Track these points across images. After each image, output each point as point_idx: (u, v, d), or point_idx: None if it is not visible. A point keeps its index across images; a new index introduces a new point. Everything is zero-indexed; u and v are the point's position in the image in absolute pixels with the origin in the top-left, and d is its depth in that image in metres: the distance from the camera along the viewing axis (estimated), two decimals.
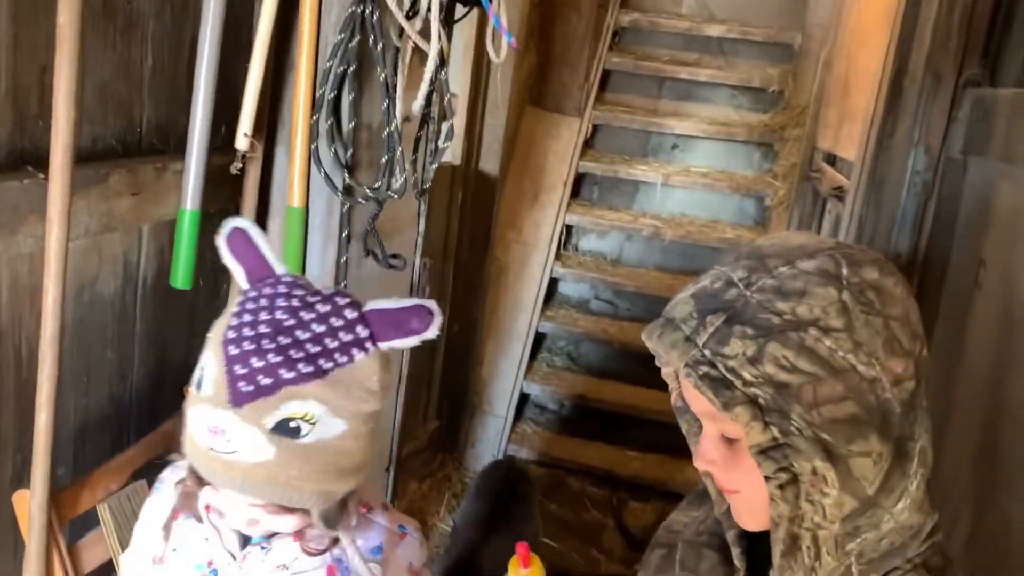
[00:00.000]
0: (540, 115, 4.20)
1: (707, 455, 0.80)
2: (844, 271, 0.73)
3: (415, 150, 2.07)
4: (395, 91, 1.85)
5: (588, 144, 4.31)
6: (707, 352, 0.73)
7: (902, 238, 1.56)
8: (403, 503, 3.35)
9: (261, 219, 1.92)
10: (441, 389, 3.70)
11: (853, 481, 0.71)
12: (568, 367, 4.17)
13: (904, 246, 1.54)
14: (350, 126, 1.79)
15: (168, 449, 1.61)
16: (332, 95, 1.77)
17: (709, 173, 4.22)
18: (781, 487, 0.72)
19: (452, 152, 3.45)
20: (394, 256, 2.00)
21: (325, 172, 1.79)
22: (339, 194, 1.80)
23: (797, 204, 3.82)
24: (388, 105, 1.78)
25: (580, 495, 3.71)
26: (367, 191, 1.81)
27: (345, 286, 1.94)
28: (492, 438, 3.82)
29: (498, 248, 4.00)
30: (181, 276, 1.68)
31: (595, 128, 4.30)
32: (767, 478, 0.73)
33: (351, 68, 1.77)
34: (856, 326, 0.71)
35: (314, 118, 1.76)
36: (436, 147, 1.99)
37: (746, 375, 0.72)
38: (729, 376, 0.72)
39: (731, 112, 4.36)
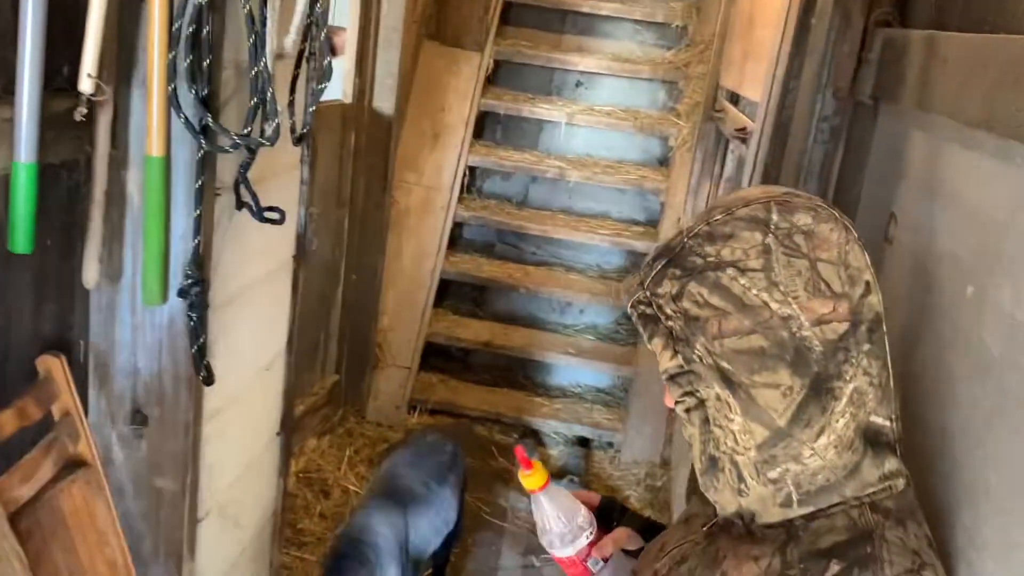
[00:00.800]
0: (439, 49, 4.00)
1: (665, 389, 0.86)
2: (774, 217, 0.77)
3: (292, 91, 1.88)
4: (263, 25, 1.66)
5: (490, 81, 4.13)
6: (647, 292, 0.81)
7: (808, 187, 1.48)
8: (301, 461, 3.23)
9: (116, 171, 1.71)
10: (340, 341, 3.54)
11: (758, 410, 0.76)
12: (473, 313, 4.08)
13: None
14: (207, 63, 1.59)
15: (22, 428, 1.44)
16: (190, 29, 1.56)
17: (613, 112, 4.11)
18: (688, 411, 0.81)
19: (343, 90, 3.24)
20: (270, 209, 1.82)
21: (185, 117, 1.59)
22: (201, 141, 1.61)
23: (700, 144, 3.77)
24: (255, 41, 1.58)
25: (487, 443, 3.65)
26: (234, 138, 1.62)
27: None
28: (395, 390, 3.70)
29: (398, 192, 3.83)
30: (21, 239, 1.47)
31: (497, 64, 4.12)
32: (676, 402, 0.81)
33: None
34: (775, 267, 0.75)
35: (171, 55, 1.56)
36: (315, 88, 1.81)
37: (668, 310, 0.79)
38: (657, 312, 0.80)
39: (635, 48, 4.25)
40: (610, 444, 3.74)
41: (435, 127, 3.94)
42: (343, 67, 3.17)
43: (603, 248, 4.06)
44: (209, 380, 1.82)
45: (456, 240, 4.20)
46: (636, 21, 4.20)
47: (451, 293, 4.15)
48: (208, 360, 1.82)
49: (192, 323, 1.77)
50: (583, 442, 3.76)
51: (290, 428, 2.45)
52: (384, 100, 3.33)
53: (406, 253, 3.80)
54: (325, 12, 1.73)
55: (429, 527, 2.40)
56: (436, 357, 4.02)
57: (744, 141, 2.49)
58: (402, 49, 3.37)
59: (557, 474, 3.51)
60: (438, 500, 2.44)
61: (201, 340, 1.79)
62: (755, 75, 2.53)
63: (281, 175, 2.14)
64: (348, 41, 3.15)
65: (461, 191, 3.96)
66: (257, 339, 2.17)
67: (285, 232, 2.22)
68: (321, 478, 3.16)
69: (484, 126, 4.29)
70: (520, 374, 4.04)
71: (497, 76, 4.23)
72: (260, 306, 2.14)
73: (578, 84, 4.31)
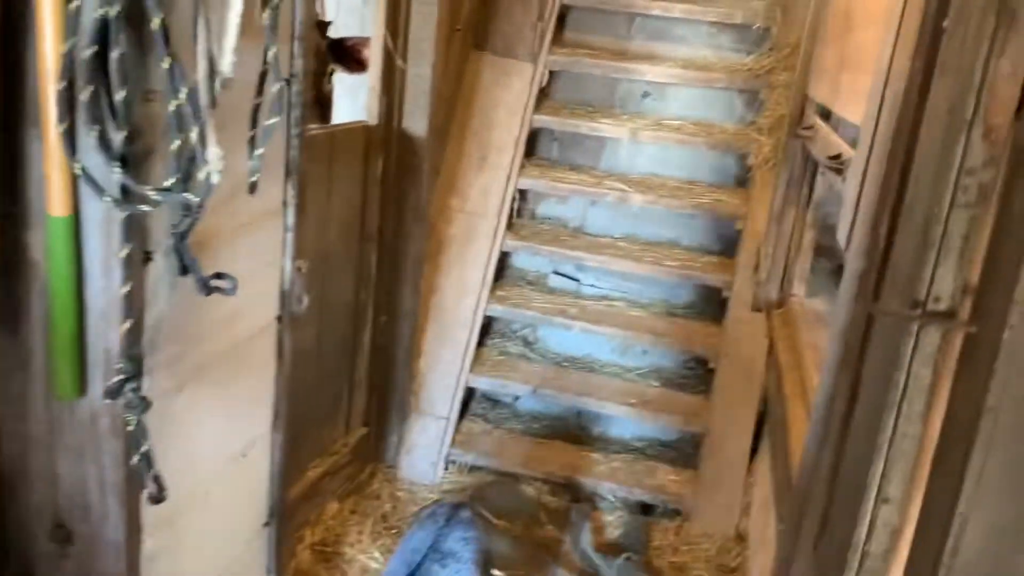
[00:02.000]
0: (486, 60, 3.58)
1: None
2: None
3: (253, 125, 1.48)
4: (196, 41, 1.27)
5: (544, 94, 3.69)
6: None
7: (940, 270, 1.00)
8: (319, 530, 2.85)
9: (16, 232, 1.34)
10: (369, 391, 3.16)
11: None
12: (523, 354, 3.64)
13: (944, 287, 0.99)
14: (121, 96, 1.20)
15: None
16: (91, 51, 1.18)
17: (684, 126, 3.61)
18: None
19: (368, 109, 2.85)
20: (218, 276, 1.43)
21: (83, 167, 1.21)
22: (104, 198, 1.22)
23: (785, 164, 3.24)
24: (172, 65, 1.19)
25: (535, 506, 3.21)
26: (146, 192, 1.24)
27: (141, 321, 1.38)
28: (431, 443, 3.30)
29: (439, 220, 3.43)
30: None
31: (552, 75, 3.68)
32: None
33: (116, 9, 1.17)
34: None
35: (61, 85, 1.18)
36: (265, 125, 1.41)
37: None
38: None
39: (710, 54, 3.74)
40: (676, 512, 3.25)
41: (482, 147, 3.52)
42: (367, 84, 2.78)
43: (670, 282, 3.57)
44: (160, 497, 1.44)
45: (504, 272, 3.77)
46: (712, 23, 3.68)
47: (497, 332, 3.72)
48: (157, 471, 1.44)
49: (130, 428, 1.39)
50: (645, 508, 3.28)
51: (281, 516, 2.06)
52: (415, 120, 2.93)
53: (446, 288, 3.39)
54: (275, 20, 1.32)
55: None
56: (480, 403, 3.60)
57: (840, 172, 1.98)
58: (441, 61, 2.97)
59: (612, 549, 3.04)
60: None
61: (144, 448, 1.41)
62: (853, 89, 2.01)
63: (257, 224, 1.74)
64: (372, 53, 2.76)
65: (510, 217, 3.53)
66: (227, 424, 1.78)
67: (264, 291, 1.84)
68: (338, 552, 2.78)
69: (538, 143, 3.85)
70: (574, 424, 3.58)
71: (553, 88, 3.78)
72: (230, 384, 1.75)
73: (645, 95, 3.82)
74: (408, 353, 3.25)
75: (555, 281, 3.79)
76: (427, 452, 3.30)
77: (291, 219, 1.83)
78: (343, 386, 3.01)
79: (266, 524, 2.02)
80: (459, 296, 3.40)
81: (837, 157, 2.06)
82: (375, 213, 2.94)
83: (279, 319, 1.88)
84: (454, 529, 2.47)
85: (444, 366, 3.35)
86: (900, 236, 1.17)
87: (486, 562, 2.55)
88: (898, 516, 1.06)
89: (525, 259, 3.81)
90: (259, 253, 1.76)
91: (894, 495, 1.06)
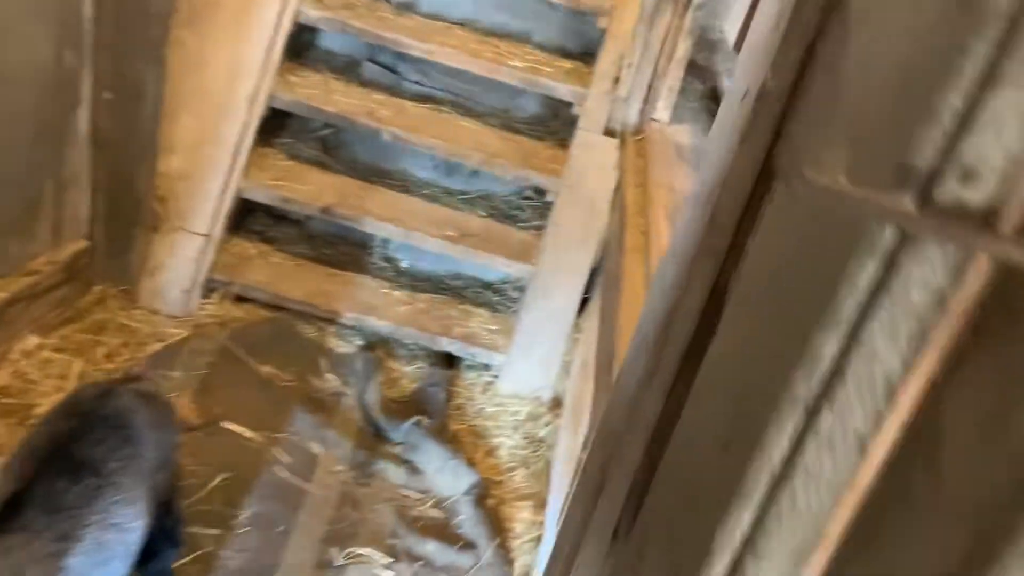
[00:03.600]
0: None
1: None
2: None
3: None
4: None
5: None
6: None
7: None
8: (1, 375, 2.13)
9: None
10: (92, 195, 2.35)
11: None
12: (319, 161, 2.88)
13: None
14: None
15: None
16: None
17: None
18: None
19: None
20: None
21: None
22: None
23: None
24: None
25: (314, 351, 2.60)
26: None
27: None
28: (184, 264, 2.56)
29: None
30: None
31: None
32: None
33: None
34: None
35: None
36: None
37: None
38: None
39: None
40: (486, 366, 2.72)
41: None
42: None
43: (513, 87, 2.84)
44: None
45: (304, 52, 2.93)
46: None
47: (289, 128, 2.93)
48: None
49: None
50: (450, 360, 2.73)
51: None
52: None
53: (213, 64, 2.53)
54: None
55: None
56: (258, 220, 2.87)
57: None
58: None
59: (404, 408, 2.50)
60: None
61: None
62: None
63: None
64: None
65: None
66: None
67: None
68: (26, 405, 2.08)
69: None
70: (377, 254, 2.93)
71: None
72: None
73: None
74: (151, 148, 2.42)
75: (370, 71, 2.99)
76: (178, 276, 2.57)
77: None
78: (43, 184, 2.19)
79: None
80: (232, 77, 2.55)
81: None
82: None
83: None
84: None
85: (205, 169, 2.56)
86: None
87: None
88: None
89: (335, 39, 2.96)
90: None
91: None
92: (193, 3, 2.51)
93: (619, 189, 2.64)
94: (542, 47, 2.96)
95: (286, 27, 2.61)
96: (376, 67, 2.98)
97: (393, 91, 2.94)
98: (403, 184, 2.90)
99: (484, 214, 2.89)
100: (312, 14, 2.66)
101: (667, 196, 2.22)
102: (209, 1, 2.53)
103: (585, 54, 2.94)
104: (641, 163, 2.61)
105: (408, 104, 2.87)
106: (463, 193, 2.96)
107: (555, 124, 3.00)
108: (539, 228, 2.84)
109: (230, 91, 2.56)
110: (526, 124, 2.99)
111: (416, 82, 3.00)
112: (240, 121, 2.58)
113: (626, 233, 2.32)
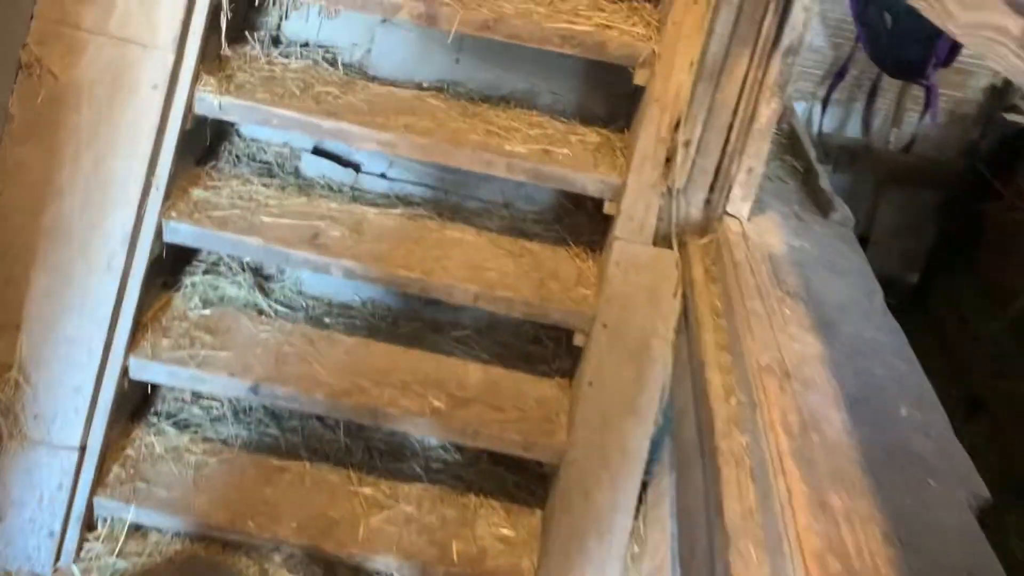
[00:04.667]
0: None
1: None
2: None
3: None
4: None
5: None
6: None
7: None
8: None
9: None
10: None
11: None
12: (250, 305, 2.02)
13: None
14: None
15: None
16: None
17: None
18: None
19: None
20: None
21: None
22: None
23: None
24: None
25: None
26: None
27: None
28: (48, 495, 1.72)
29: (49, 49, 1.67)
30: None
31: None
32: None
33: None
34: None
35: None
36: None
37: None
38: None
39: None
40: None
41: None
42: None
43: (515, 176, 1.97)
44: None
45: (217, 144, 2.09)
46: None
47: (206, 260, 2.07)
48: None
49: None
50: None
51: None
52: None
53: (68, 191, 1.70)
54: None
55: None
56: (174, 399, 2.02)
57: None
58: None
59: None
60: None
61: None
62: None
63: None
64: None
65: (214, 43, 1.81)
66: None
67: None
68: None
69: None
70: (342, 433, 2.07)
71: None
72: None
73: None
74: None
75: (313, 167, 2.13)
76: (39, 513, 1.73)
77: None
78: None
79: None
80: (100, 206, 1.71)
81: None
82: None
83: None
84: None
85: (70, 346, 1.72)
86: None
87: None
88: None
89: (259, 128, 2.11)
90: None
91: None
92: (33, 106, 1.68)
93: (686, 323, 1.78)
94: (553, 112, 2.09)
95: (176, 125, 1.77)
96: (323, 160, 2.12)
97: (348, 195, 2.08)
98: (369, 326, 2.04)
99: (487, 357, 2.03)
100: (214, 102, 1.81)
101: (761, 328, 1.39)
102: (56, 99, 1.70)
103: (611, 119, 2.07)
104: (716, 290, 1.74)
105: (370, 213, 2.01)
106: (455, 327, 2.10)
107: (579, 217, 2.14)
108: (567, 374, 1.99)
109: (97, 230, 1.73)
110: (537, 222, 2.12)
111: (381, 175, 2.15)
112: (117, 269, 1.74)
113: (710, 392, 1.51)
